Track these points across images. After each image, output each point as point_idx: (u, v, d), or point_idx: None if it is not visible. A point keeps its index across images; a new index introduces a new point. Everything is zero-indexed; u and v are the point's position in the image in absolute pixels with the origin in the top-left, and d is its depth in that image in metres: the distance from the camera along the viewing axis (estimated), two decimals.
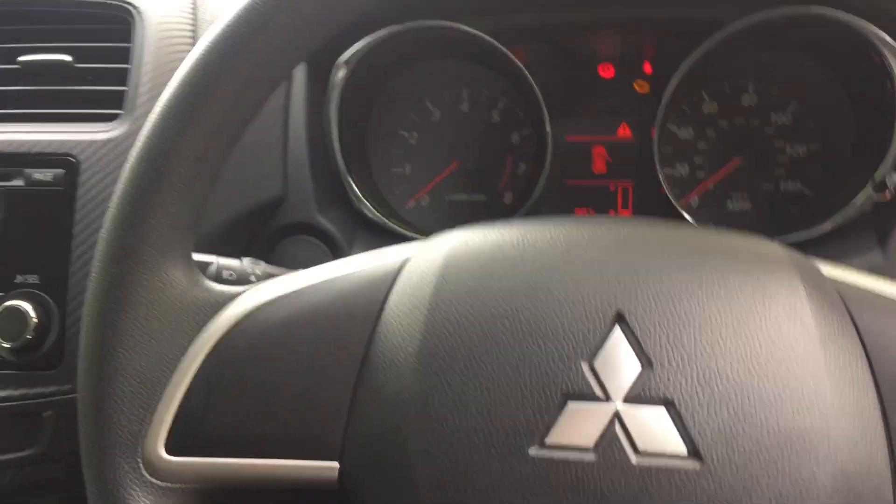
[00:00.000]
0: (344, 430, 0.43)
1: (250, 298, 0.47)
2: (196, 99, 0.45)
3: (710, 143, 0.90)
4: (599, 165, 0.93)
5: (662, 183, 0.84)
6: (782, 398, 0.37)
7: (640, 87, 0.93)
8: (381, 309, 0.44)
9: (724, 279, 0.41)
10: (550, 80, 0.90)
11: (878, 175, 0.73)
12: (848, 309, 0.40)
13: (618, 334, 0.39)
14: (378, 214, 0.83)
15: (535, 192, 0.85)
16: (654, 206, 0.91)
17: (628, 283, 0.41)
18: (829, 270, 0.43)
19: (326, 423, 0.43)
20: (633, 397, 0.38)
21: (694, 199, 0.91)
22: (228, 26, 0.45)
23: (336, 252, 0.81)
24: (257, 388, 0.45)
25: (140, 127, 0.73)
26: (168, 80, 0.76)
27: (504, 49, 0.82)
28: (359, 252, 0.82)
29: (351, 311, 0.45)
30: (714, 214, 0.90)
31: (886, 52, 0.71)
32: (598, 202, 0.93)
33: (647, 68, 0.92)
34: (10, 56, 0.79)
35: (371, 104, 0.93)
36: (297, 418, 0.44)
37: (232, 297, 0.48)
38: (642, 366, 0.38)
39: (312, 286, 0.47)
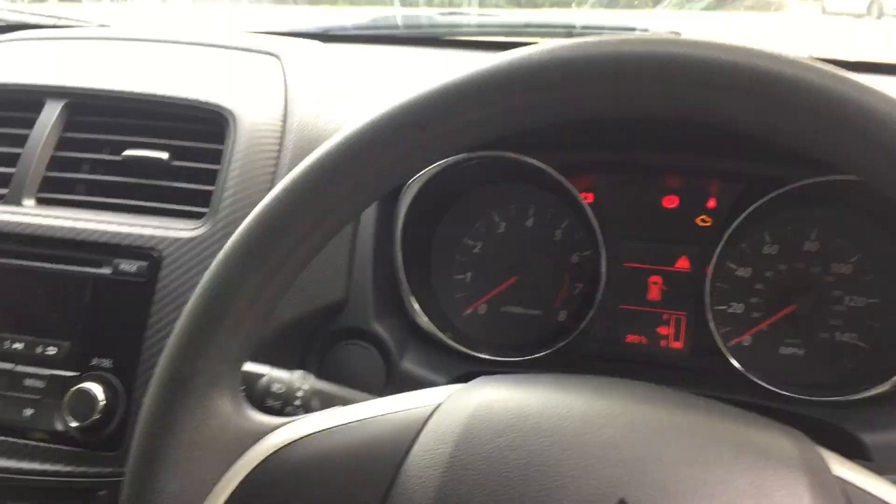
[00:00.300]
0: None
1: (286, 433, 0.51)
2: (261, 246, 0.50)
3: (768, 284, 0.92)
4: (654, 293, 0.96)
5: (710, 320, 0.85)
6: None
7: (703, 221, 0.95)
8: (404, 458, 0.47)
9: (729, 478, 0.43)
10: (615, 205, 0.94)
11: None
12: None
13: None
14: (432, 326, 0.87)
15: (590, 314, 0.87)
16: (706, 339, 0.92)
17: (636, 472, 0.43)
18: (840, 469, 0.44)
19: None
20: None
21: (746, 339, 0.92)
22: (302, 176, 0.50)
23: (388, 360, 0.86)
24: None
25: (223, 228, 0.80)
26: (253, 184, 0.84)
27: (566, 182, 0.86)
28: (409, 363, 0.88)
29: (375, 456, 0.48)
30: (766, 357, 0.91)
31: None
32: (649, 330, 0.95)
33: (712, 203, 0.94)
34: (117, 148, 0.87)
35: (439, 215, 0.98)
36: None
37: (271, 429, 0.52)
38: None
39: (344, 426, 0.50)
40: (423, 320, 0.87)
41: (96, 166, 0.89)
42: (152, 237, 0.81)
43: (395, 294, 0.89)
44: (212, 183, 0.85)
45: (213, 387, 0.51)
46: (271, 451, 0.50)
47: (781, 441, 0.46)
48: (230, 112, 0.87)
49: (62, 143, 0.88)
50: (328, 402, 0.65)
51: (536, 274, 0.98)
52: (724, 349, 0.84)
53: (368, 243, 0.88)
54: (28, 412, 0.77)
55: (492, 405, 0.48)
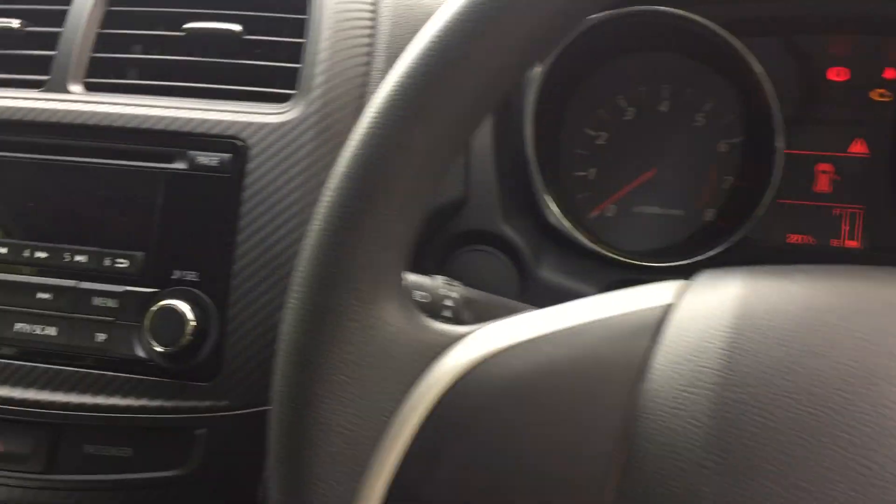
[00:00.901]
0: None
1: (479, 344, 0.40)
2: (429, 90, 0.38)
3: None
4: (823, 184, 0.82)
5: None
6: None
7: (880, 95, 0.81)
8: (637, 375, 0.36)
9: None
10: (774, 82, 0.79)
11: None
12: None
13: None
14: (572, 228, 0.74)
15: (759, 212, 0.74)
16: (888, 236, 0.80)
17: None
18: None
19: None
20: None
21: None
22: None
23: (521, 267, 0.73)
24: (493, 459, 0.37)
25: (317, 111, 0.67)
26: (348, 59, 0.70)
27: (740, 45, 0.72)
28: (546, 270, 0.75)
29: (604, 369, 0.37)
30: None
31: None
32: (817, 228, 0.82)
33: (890, 73, 0.80)
34: (176, 22, 0.73)
35: (565, 101, 0.84)
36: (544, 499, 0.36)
37: (455, 340, 0.41)
38: None
39: (549, 335, 0.39)
40: (562, 221, 0.74)
41: (152, 44, 0.75)
42: (234, 123, 0.67)
43: (524, 191, 0.75)
44: (296, 60, 0.71)
45: (379, 285, 0.39)
46: (466, 369, 0.39)
47: None
48: None
49: (109, 19, 0.74)
50: (482, 313, 0.53)
51: (675, 167, 0.85)
52: None
53: (486, 132, 0.75)
54: (101, 337, 0.65)
55: (758, 302, 0.37)
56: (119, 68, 0.74)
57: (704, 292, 0.39)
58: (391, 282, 0.41)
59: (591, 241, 0.74)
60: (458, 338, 0.41)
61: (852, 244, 0.81)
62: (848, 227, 0.81)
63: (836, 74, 0.82)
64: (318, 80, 0.68)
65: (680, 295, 0.39)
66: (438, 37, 0.39)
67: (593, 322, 0.39)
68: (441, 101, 0.39)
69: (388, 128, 0.39)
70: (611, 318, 0.39)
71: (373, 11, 0.72)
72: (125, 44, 0.75)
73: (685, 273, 0.72)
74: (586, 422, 0.36)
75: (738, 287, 0.38)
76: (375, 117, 0.40)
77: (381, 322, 0.40)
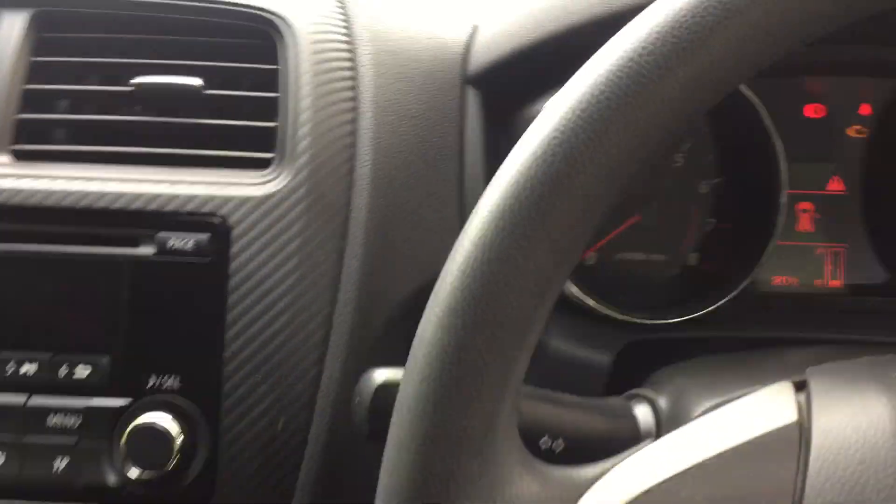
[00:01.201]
0: None
1: (613, 492, 0.35)
2: (551, 203, 0.34)
3: None
4: (805, 223, 0.81)
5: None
6: None
7: (856, 132, 0.81)
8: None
9: None
10: None
11: None
12: None
13: None
14: (579, 291, 0.69)
15: (762, 259, 0.72)
16: (867, 275, 0.80)
17: None
18: None
19: None
20: None
21: None
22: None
23: None
24: None
25: (306, 180, 0.59)
26: (333, 115, 0.62)
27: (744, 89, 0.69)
28: (557, 338, 0.70)
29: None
30: None
31: None
32: (801, 269, 0.81)
33: (865, 109, 0.80)
34: (122, 75, 0.63)
35: None
36: None
37: (583, 487, 0.36)
38: None
39: (688, 473, 0.35)
40: (571, 287, 0.69)
41: (92, 102, 0.64)
42: (210, 198, 0.59)
43: None
44: (271, 117, 0.62)
45: (494, 441, 0.33)
46: None
47: None
48: (280, 17, 0.64)
49: (35, 72, 0.63)
50: (556, 422, 0.47)
51: (657, 211, 0.81)
52: None
53: (479, 189, 0.69)
54: (61, 463, 0.54)
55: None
56: (53, 132, 0.63)
57: (838, 406, 0.36)
58: (508, 433, 0.35)
59: (597, 303, 0.70)
60: (585, 485, 0.35)
61: (835, 284, 0.81)
62: (831, 267, 0.81)
63: (814, 111, 0.81)
64: (304, 143, 0.60)
65: (804, 409, 0.36)
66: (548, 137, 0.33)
67: (726, 453, 0.35)
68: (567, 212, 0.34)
69: (504, 253, 0.33)
70: (743, 446, 0.36)
71: (351, 59, 0.65)
72: (59, 102, 0.64)
73: (691, 326, 0.70)
74: None
75: (878, 397, 0.36)
76: (485, 240, 0.33)
77: (501, 482, 0.34)
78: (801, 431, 0.35)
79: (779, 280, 0.81)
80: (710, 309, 0.71)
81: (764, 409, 0.38)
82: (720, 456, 0.36)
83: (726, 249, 0.79)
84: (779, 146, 0.71)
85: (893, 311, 0.79)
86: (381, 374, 0.44)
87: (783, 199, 0.73)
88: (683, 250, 0.82)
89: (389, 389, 0.43)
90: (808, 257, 0.81)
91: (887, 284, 0.80)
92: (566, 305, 0.69)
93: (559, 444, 0.45)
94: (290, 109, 0.61)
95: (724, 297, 0.72)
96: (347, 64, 0.65)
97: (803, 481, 0.33)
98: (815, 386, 0.38)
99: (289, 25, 0.64)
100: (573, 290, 0.69)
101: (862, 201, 0.80)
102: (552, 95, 0.67)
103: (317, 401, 0.57)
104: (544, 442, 0.45)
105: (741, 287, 0.72)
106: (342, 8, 0.68)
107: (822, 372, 0.39)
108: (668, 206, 0.82)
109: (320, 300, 0.58)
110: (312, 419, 0.57)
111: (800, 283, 0.81)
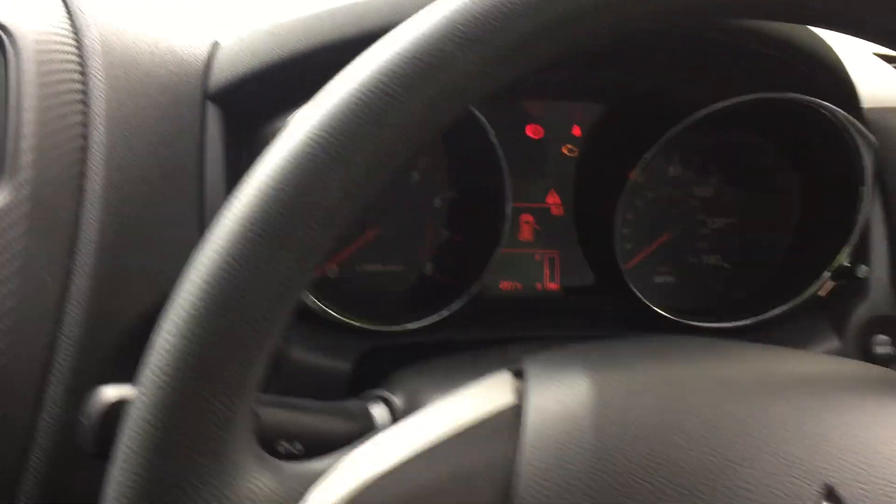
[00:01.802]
0: None
1: (342, 482, 0.38)
2: (298, 206, 0.35)
3: (640, 214, 0.91)
4: (527, 233, 0.90)
5: (617, 252, 0.82)
6: None
7: (570, 151, 0.91)
8: (511, 478, 0.37)
9: None
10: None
11: (839, 262, 0.77)
12: None
13: None
14: (317, 301, 0.72)
15: (489, 266, 0.79)
16: (579, 278, 0.90)
17: (829, 448, 0.37)
18: None
19: None
20: None
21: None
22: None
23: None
24: None
25: (31, 196, 0.57)
26: (61, 128, 0.61)
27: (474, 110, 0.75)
28: (299, 348, 0.72)
29: (472, 485, 0.37)
30: (642, 288, 0.91)
31: (859, 140, 0.75)
32: (524, 274, 0.90)
33: (576, 130, 0.91)
34: None
35: None
36: None
37: (313, 479, 0.38)
38: None
39: (411, 460, 0.38)
40: (312, 298, 0.72)
41: None
42: None
43: None
44: None
45: (229, 443, 0.35)
46: None
47: None
48: (2, 26, 0.62)
49: None
50: (293, 425, 0.50)
51: (396, 225, 0.87)
52: (627, 280, 0.81)
53: (220, 206, 0.70)
54: None
55: (610, 395, 0.39)
56: None
57: (549, 389, 0.40)
58: (243, 427, 0.36)
59: (339, 313, 0.73)
60: (316, 476, 0.38)
61: (553, 286, 0.90)
62: (549, 272, 0.90)
63: (533, 132, 0.90)
64: (27, 157, 0.59)
65: (520, 393, 0.40)
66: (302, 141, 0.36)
67: (448, 438, 0.39)
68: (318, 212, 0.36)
69: (250, 254, 0.35)
70: (464, 429, 0.39)
71: (82, 72, 0.63)
72: None
73: (427, 331, 0.75)
74: None
75: (584, 380, 0.40)
76: (231, 240, 0.35)
77: (232, 477, 0.36)
78: (517, 412, 0.39)
79: (505, 285, 0.90)
80: (444, 315, 0.77)
81: (485, 395, 0.41)
82: (444, 440, 0.39)
83: (458, 259, 0.86)
84: (504, 163, 0.78)
85: (601, 309, 0.89)
86: (110, 392, 0.44)
87: (508, 211, 0.79)
88: (420, 260, 0.88)
89: (118, 406, 0.43)
90: (530, 263, 0.90)
91: (595, 286, 0.90)
92: (308, 316, 0.72)
93: (298, 448, 0.47)
94: (11, 123, 0.59)
95: (456, 303, 0.78)
96: (77, 76, 0.63)
97: (517, 453, 0.37)
98: (530, 371, 0.42)
99: (11, 35, 0.61)
100: (314, 301, 0.72)
101: (573, 213, 0.91)
102: (295, 112, 0.70)
103: (38, 423, 0.55)
104: (281, 445, 0.47)
105: (471, 293, 0.79)
106: (71, 19, 0.66)
107: (536, 360, 0.43)
108: (406, 219, 0.87)
109: (44, 321, 0.56)
110: (33, 442, 0.55)
111: (523, 286, 0.90)
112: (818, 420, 0.39)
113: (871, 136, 0.74)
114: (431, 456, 0.38)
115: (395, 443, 0.40)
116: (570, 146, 0.91)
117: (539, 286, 0.90)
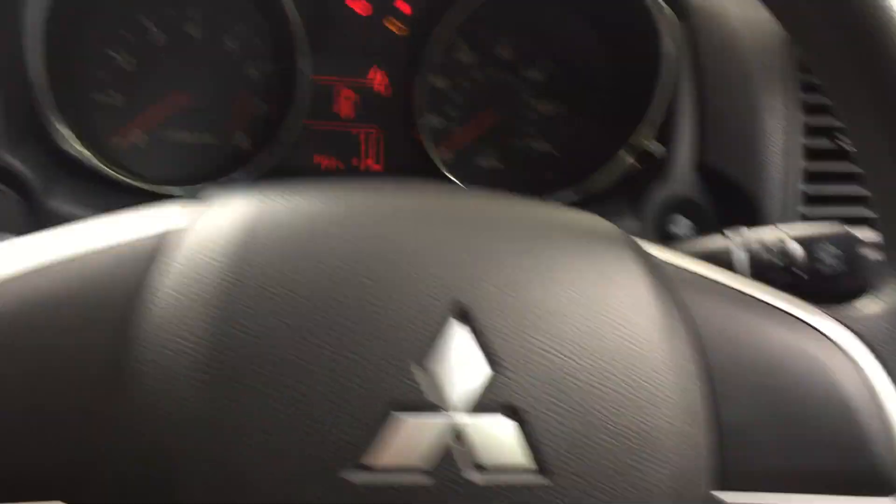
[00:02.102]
0: (86, 465, 0.34)
1: None
2: None
3: (467, 95, 0.89)
4: (346, 109, 0.88)
5: (422, 132, 0.80)
6: (628, 399, 0.36)
7: (395, 26, 0.88)
8: (135, 300, 0.36)
9: (568, 263, 0.38)
10: (297, 9, 0.82)
11: (638, 142, 0.76)
12: (683, 297, 0.40)
13: (455, 330, 0.35)
14: (85, 152, 0.70)
15: (282, 137, 0.77)
16: (403, 157, 0.89)
17: (467, 270, 0.37)
18: (660, 254, 0.42)
19: (54, 456, 0.34)
20: (473, 405, 0.34)
21: (448, 155, 0.89)
22: None
23: (29, 200, 0.67)
24: None
25: None
26: None
27: None
28: (58, 200, 0.70)
29: (95, 301, 0.36)
30: (468, 171, 0.89)
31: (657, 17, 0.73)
32: (342, 150, 0.88)
33: (405, 7, 0.88)
34: None
35: (82, 18, 0.78)
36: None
37: None
38: (486, 368, 0.35)
39: (49, 266, 0.37)
40: (74, 146, 0.69)
41: None
42: None
43: (34, 117, 0.69)
44: None
45: None
46: None
47: (607, 226, 0.43)
48: None
49: None
50: None
51: (205, 93, 0.84)
52: (436, 163, 0.79)
53: None
54: None
55: (266, 214, 0.38)
56: None
57: (214, 214, 0.39)
58: None
59: (107, 166, 0.71)
60: None
61: (376, 167, 0.89)
62: (370, 149, 0.88)
63: (361, 8, 0.87)
64: None
65: (193, 218, 0.39)
66: None
67: (97, 250, 0.37)
68: None
69: None
70: (115, 245, 0.38)
71: None
72: None
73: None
74: (72, 360, 0.35)
75: (247, 205, 0.39)
76: None
77: None
78: (176, 235, 0.38)
79: (321, 160, 0.88)
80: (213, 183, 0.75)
81: (161, 216, 0.40)
82: (89, 253, 0.37)
83: (272, 132, 0.84)
84: (296, 27, 0.75)
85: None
86: None
87: (302, 79, 0.78)
88: (232, 132, 0.85)
89: None
90: (346, 139, 0.88)
91: (417, 165, 0.89)
92: (77, 171, 0.70)
93: None
94: None
95: (238, 173, 0.76)
96: None
97: (146, 279, 0.36)
98: (214, 200, 0.41)
99: None
100: (78, 151, 0.69)
101: (401, 92, 0.88)
102: None
103: None
104: None
105: (260, 163, 0.77)
106: None
107: (235, 191, 0.42)
108: (218, 88, 0.85)
109: None
110: None
111: (343, 164, 0.88)
112: (465, 247, 0.38)
113: (669, 10, 0.72)
114: (70, 265, 0.37)
115: (39, 247, 0.38)
116: (396, 22, 0.88)
117: (355, 161, 0.88)
